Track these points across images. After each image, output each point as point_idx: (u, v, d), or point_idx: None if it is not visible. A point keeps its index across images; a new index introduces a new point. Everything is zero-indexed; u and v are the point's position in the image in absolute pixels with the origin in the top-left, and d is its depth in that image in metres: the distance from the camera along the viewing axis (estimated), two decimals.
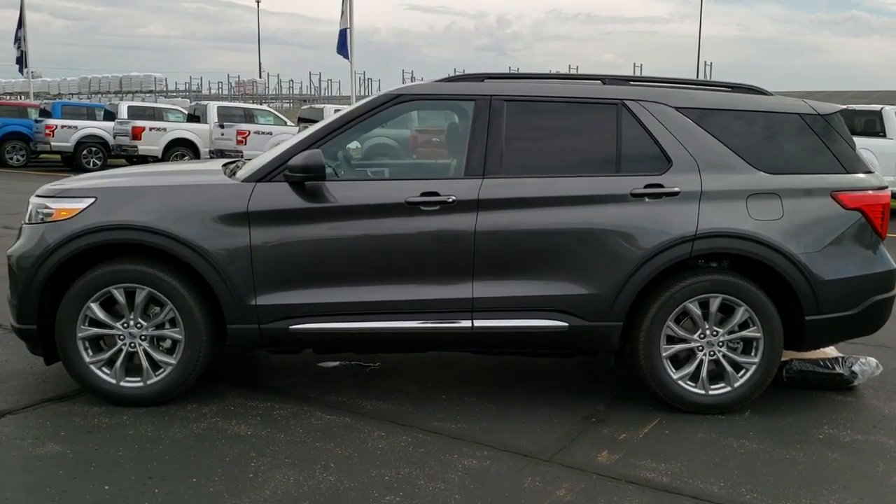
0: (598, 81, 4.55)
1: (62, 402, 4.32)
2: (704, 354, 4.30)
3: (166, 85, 56.31)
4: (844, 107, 4.77)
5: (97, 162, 21.53)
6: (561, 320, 4.21)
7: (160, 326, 4.21)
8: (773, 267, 4.23)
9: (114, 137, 21.27)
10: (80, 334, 4.16)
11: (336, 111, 4.33)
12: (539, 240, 4.20)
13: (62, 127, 21.46)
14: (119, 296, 4.15)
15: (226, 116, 21.02)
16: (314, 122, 9.54)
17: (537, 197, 4.23)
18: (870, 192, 4.41)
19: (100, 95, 52.94)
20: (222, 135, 20.23)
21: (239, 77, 57.69)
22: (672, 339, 4.30)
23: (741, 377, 4.31)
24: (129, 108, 21.88)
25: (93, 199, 4.18)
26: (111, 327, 4.20)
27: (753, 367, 4.30)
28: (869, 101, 18.52)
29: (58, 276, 4.16)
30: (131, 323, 4.19)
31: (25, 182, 17.11)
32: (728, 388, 4.31)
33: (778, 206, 4.27)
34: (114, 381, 4.21)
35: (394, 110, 4.41)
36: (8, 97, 51.34)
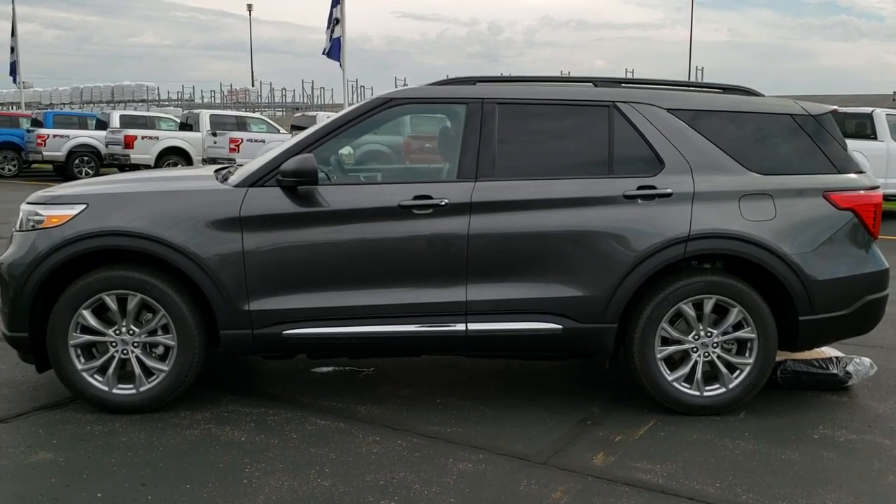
0: (590, 84, 4.56)
1: (54, 409, 4.30)
2: (699, 356, 4.30)
3: (158, 94, 56.17)
4: (835, 108, 4.77)
5: (89, 171, 21.47)
6: (555, 323, 4.20)
7: (153, 333, 4.19)
8: (767, 267, 4.24)
9: (106, 146, 21.23)
10: (71, 342, 4.14)
11: (328, 118, 4.31)
12: (532, 242, 4.20)
13: (54, 136, 21.43)
14: (111, 302, 4.13)
15: (218, 124, 20.95)
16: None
17: (530, 199, 4.22)
18: (862, 191, 4.42)
19: (92, 105, 52.86)
20: (215, 143, 20.16)
21: (231, 86, 57.75)
22: (666, 341, 4.30)
23: (736, 378, 4.31)
24: (122, 116, 21.85)
25: (84, 206, 4.16)
26: (103, 334, 4.18)
27: (748, 368, 4.30)
28: (860, 104, 18.58)
29: (49, 283, 4.14)
30: (123, 330, 4.17)
31: (17, 192, 17.05)
32: (723, 389, 4.31)
33: (770, 207, 4.27)
34: (106, 389, 4.19)
35: (386, 114, 4.41)
36: None
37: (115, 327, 4.18)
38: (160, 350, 4.23)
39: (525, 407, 4.44)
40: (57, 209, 4.20)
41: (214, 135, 20.36)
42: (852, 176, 4.46)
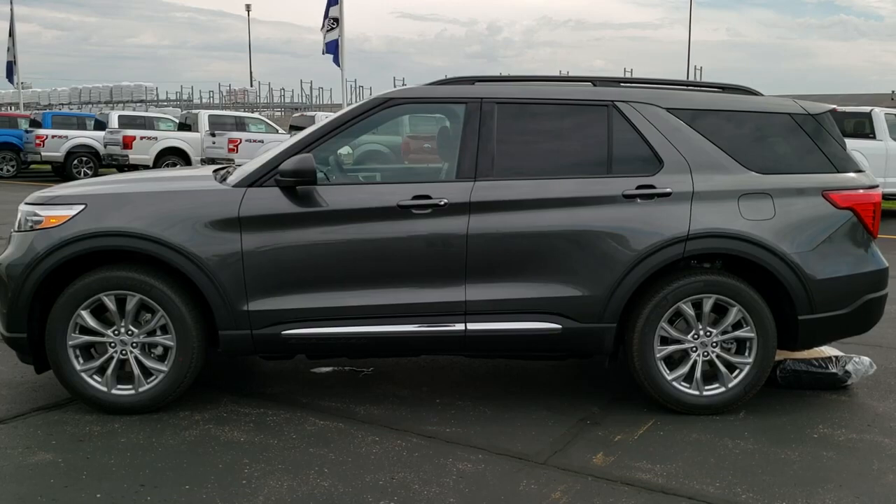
0: (589, 83, 4.56)
1: (53, 410, 4.29)
2: (698, 355, 4.30)
3: (157, 94, 56.03)
4: (834, 107, 4.77)
5: (88, 172, 21.45)
6: (554, 322, 4.20)
7: (151, 333, 4.19)
8: (766, 267, 4.23)
9: (104, 147, 21.22)
10: (70, 342, 4.13)
11: (327, 118, 4.32)
12: (531, 242, 4.19)
13: (52, 137, 21.41)
14: (110, 303, 4.12)
15: (217, 125, 20.93)
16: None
17: (529, 199, 4.22)
18: (861, 190, 4.42)
19: (90, 105, 52.72)
20: (214, 143, 20.16)
21: (230, 86, 57.60)
22: (666, 341, 4.29)
23: (735, 377, 4.31)
24: (120, 117, 21.82)
25: (83, 206, 4.15)
26: (102, 335, 4.17)
27: (747, 368, 4.29)
28: (859, 103, 18.61)
29: (48, 283, 4.14)
30: (122, 330, 4.17)
31: (16, 192, 17.03)
32: (722, 389, 4.31)
33: (770, 206, 4.27)
34: (105, 389, 4.18)
35: (385, 114, 4.40)
36: None
37: (114, 328, 4.17)
38: (159, 350, 4.23)
39: (524, 407, 4.44)
40: (55, 210, 4.19)
41: (213, 135, 20.36)
42: (851, 175, 4.46)
